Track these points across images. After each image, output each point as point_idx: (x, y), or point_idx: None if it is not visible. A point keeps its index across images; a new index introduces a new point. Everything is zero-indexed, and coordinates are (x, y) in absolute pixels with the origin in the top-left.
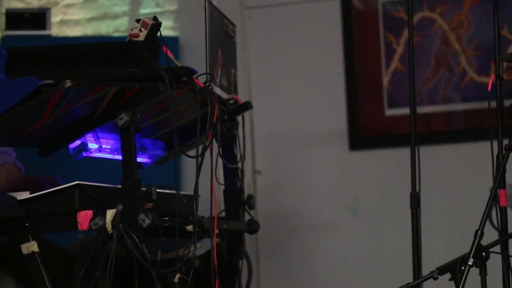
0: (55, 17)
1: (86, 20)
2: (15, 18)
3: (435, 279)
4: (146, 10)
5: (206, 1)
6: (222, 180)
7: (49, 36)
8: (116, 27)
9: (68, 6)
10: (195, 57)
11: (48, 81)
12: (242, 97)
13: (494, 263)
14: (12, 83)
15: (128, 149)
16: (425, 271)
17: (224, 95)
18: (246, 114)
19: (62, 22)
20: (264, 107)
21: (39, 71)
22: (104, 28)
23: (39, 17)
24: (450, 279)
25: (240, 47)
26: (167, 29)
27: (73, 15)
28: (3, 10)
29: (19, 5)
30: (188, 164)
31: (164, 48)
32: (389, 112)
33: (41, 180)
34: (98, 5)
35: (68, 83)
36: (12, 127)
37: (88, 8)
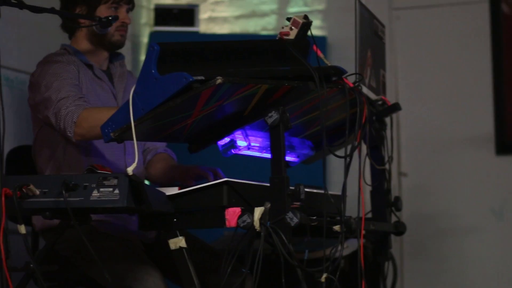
0: (203, 14)
1: (234, 18)
2: (163, 14)
3: None
4: (294, 9)
5: (357, 1)
6: (368, 181)
7: (197, 33)
8: (264, 25)
9: (217, 3)
10: (343, 57)
11: (199, 77)
12: (389, 98)
13: None
14: (164, 78)
15: (277, 147)
16: None
17: (373, 96)
18: (393, 115)
19: (210, 19)
20: (410, 108)
21: (189, 67)
22: (252, 26)
23: (188, 14)
24: None
25: (388, 48)
26: (315, 29)
27: (221, 12)
28: (152, 6)
29: (168, 1)
30: (333, 164)
31: (315, 47)
32: None
33: (203, 169)
34: (246, 3)
35: (219, 80)
36: (163, 122)
37: (236, 5)
